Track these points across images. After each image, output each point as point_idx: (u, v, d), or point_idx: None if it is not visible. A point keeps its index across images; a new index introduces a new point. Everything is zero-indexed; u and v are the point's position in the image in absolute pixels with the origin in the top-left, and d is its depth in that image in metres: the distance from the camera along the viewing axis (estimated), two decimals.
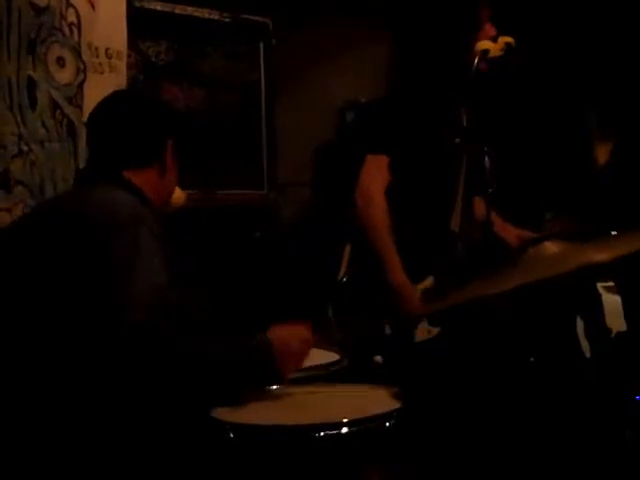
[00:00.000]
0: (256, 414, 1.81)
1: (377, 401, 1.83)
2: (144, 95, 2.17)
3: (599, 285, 3.38)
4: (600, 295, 3.38)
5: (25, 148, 3.17)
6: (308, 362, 2.13)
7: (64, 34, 3.32)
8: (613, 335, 3.28)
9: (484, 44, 2.50)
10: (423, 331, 2.55)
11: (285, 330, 1.87)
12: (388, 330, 2.57)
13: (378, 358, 2.54)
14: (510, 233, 2.81)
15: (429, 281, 2.62)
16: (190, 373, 1.66)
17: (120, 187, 1.85)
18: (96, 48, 3.42)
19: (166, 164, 1.97)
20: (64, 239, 1.70)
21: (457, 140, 2.65)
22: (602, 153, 3.69)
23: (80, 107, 3.34)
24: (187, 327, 1.67)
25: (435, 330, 2.55)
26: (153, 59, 3.90)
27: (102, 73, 3.42)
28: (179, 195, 2.29)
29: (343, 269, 2.76)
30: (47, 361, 1.64)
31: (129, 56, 3.61)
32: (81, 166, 3.25)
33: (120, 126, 1.94)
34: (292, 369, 1.87)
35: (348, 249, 2.81)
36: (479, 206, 2.68)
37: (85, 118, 3.23)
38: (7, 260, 1.78)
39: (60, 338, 1.64)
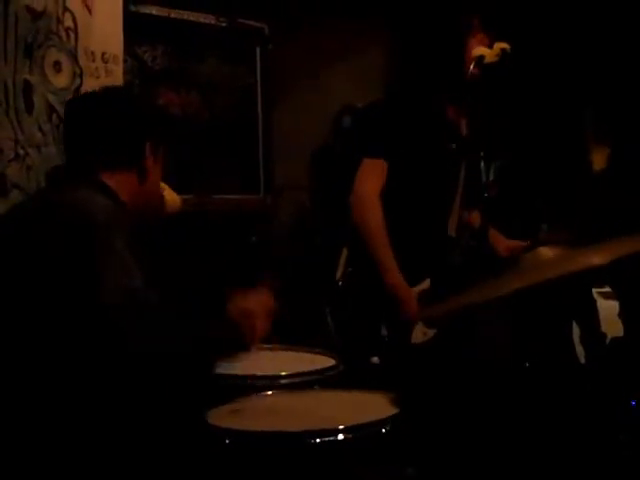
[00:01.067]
0: (252, 420, 1.81)
1: (373, 407, 1.83)
2: (125, 94, 2.11)
3: (594, 291, 3.39)
4: (595, 301, 3.39)
5: (22, 152, 3.17)
6: (304, 367, 2.14)
7: (61, 38, 3.32)
8: (608, 341, 3.28)
9: (480, 50, 2.51)
10: (419, 333, 2.56)
11: (242, 297, 1.86)
12: (385, 332, 2.57)
13: (375, 359, 2.54)
14: (500, 243, 2.82)
15: (426, 284, 2.62)
16: (161, 369, 1.67)
17: (95, 189, 1.80)
18: (92, 52, 3.42)
19: (146, 167, 1.91)
20: (36, 243, 1.68)
21: (453, 146, 2.66)
22: (598, 156, 3.70)
23: None
24: (164, 327, 1.67)
25: (431, 332, 2.56)
26: (149, 64, 3.90)
27: (98, 78, 3.42)
28: (175, 200, 2.29)
29: (340, 272, 2.77)
30: (31, 364, 1.63)
31: (125, 61, 3.61)
32: None
33: (97, 126, 1.87)
34: (255, 334, 1.85)
35: (345, 252, 2.82)
36: (475, 213, 2.69)
37: None
38: None
39: (38, 340, 1.63)
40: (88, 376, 1.62)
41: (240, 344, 1.83)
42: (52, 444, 1.62)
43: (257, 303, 1.86)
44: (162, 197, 2.16)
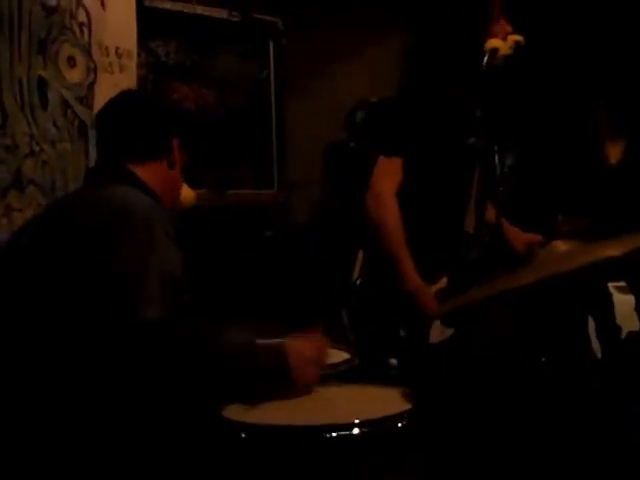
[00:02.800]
0: (267, 414, 1.81)
1: (389, 402, 1.82)
2: (150, 95, 2.17)
3: (610, 285, 3.37)
4: (611, 295, 3.37)
5: (37, 148, 3.19)
6: None
7: (74, 34, 3.33)
8: (624, 335, 3.27)
9: (493, 42, 2.49)
10: (437, 332, 2.54)
11: (300, 340, 1.86)
12: (402, 332, 2.56)
13: (393, 361, 2.53)
14: (517, 238, 2.80)
15: (443, 282, 2.61)
16: (202, 372, 1.67)
17: (133, 186, 1.85)
18: (106, 48, 3.43)
19: (173, 161, 1.98)
20: (78, 239, 1.70)
21: (471, 140, 2.64)
22: (613, 151, 3.68)
23: (91, 107, 3.35)
24: (201, 326, 1.68)
25: (449, 331, 2.54)
26: (163, 58, 3.91)
27: (112, 73, 3.43)
28: (189, 195, 2.29)
29: (357, 272, 2.75)
30: (59, 361, 1.64)
31: (139, 55, 3.62)
32: (91, 165, 3.27)
33: (127, 124, 1.95)
34: (307, 379, 1.86)
35: (361, 251, 2.80)
36: (490, 208, 2.67)
37: None
38: (20, 263, 1.78)
39: (75, 338, 1.64)
40: (113, 370, 1.63)
41: (288, 382, 1.82)
42: (68, 433, 1.63)
43: (313, 349, 1.87)
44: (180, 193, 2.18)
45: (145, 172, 1.91)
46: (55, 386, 1.64)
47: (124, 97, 2.06)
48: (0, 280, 1.78)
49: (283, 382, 1.81)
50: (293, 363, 1.79)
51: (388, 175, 2.57)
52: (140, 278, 1.61)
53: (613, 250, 1.72)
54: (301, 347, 1.84)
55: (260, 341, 1.78)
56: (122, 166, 1.90)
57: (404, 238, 2.52)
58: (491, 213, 2.64)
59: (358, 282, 2.70)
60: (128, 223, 1.69)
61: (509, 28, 2.54)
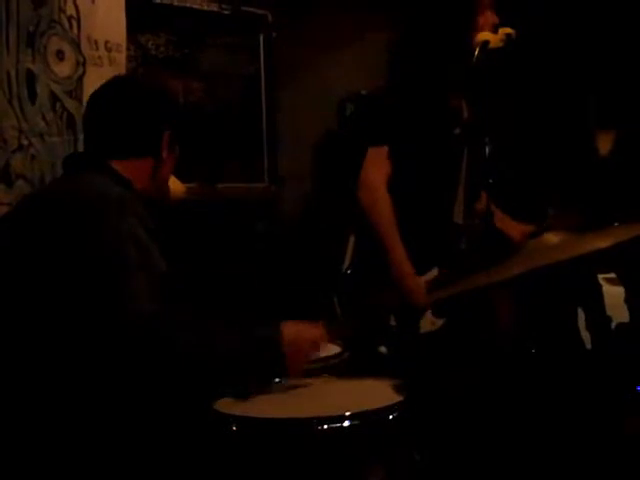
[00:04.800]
0: (259, 407, 1.81)
1: (380, 394, 1.83)
2: (144, 82, 2.10)
3: (600, 276, 3.38)
4: (601, 286, 3.38)
5: (25, 142, 3.17)
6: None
7: (63, 27, 3.31)
8: (614, 326, 3.28)
9: (484, 35, 2.50)
10: (428, 322, 2.55)
11: (296, 328, 1.85)
12: (393, 321, 2.57)
13: (382, 349, 2.54)
14: (513, 228, 2.80)
15: (434, 273, 2.62)
16: (193, 364, 1.65)
17: (107, 176, 1.80)
18: (95, 41, 3.41)
19: (162, 157, 1.91)
20: (53, 231, 1.67)
21: (457, 131, 2.65)
22: (603, 142, 3.69)
23: (80, 100, 3.34)
24: (189, 317, 1.67)
25: (440, 321, 2.55)
26: (152, 52, 3.89)
27: (101, 66, 3.42)
28: (178, 188, 2.29)
29: (347, 260, 2.76)
30: (47, 356, 1.63)
31: (128, 49, 3.60)
32: None
33: (115, 114, 1.88)
34: (298, 368, 1.86)
35: (352, 240, 2.81)
36: (480, 198, 2.68)
37: None
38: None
39: (58, 332, 1.62)
40: (102, 364, 1.62)
41: (281, 371, 1.82)
42: (62, 428, 1.62)
43: (310, 336, 1.87)
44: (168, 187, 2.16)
45: (127, 168, 1.85)
46: (44, 382, 1.63)
47: (114, 85, 1.97)
48: None
49: (274, 369, 1.80)
50: (287, 350, 1.78)
51: (378, 165, 2.58)
52: (125, 273, 1.59)
53: (603, 242, 1.72)
54: (296, 335, 1.83)
55: (256, 330, 1.78)
56: (100, 158, 1.84)
57: (396, 227, 2.53)
58: (481, 203, 2.65)
59: (349, 271, 2.71)
60: (103, 216, 1.65)
61: (495, 19, 2.54)
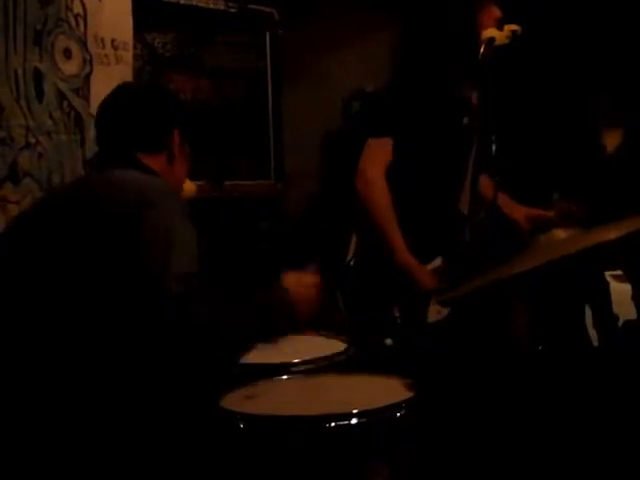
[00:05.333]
0: (266, 404, 1.81)
1: (387, 391, 1.83)
2: (151, 85, 2.17)
3: (607, 274, 3.38)
4: (608, 283, 3.37)
5: (33, 140, 3.18)
6: (315, 352, 2.14)
7: (70, 25, 3.32)
8: (621, 323, 3.28)
9: (490, 32, 2.49)
10: (433, 312, 2.56)
11: (295, 278, 1.88)
12: (397, 312, 2.57)
13: (388, 341, 2.54)
14: (518, 212, 2.82)
15: (438, 262, 2.62)
16: (220, 338, 1.66)
17: (142, 170, 1.87)
18: (102, 39, 3.42)
19: (174, 153, 1.98)
20: (94, 220, 1.69)
21: (465, 120, 2.65)
22: (610, 139, 3.68)
23: (87, 98, 3.34)
24: (215, 294, 1.69)
25: (445, 311, 2.55)
26: (159, 50, 3.90)
27: (108, 64, 3.42)
28: (190, 187, 2.30)
29: (351, 253, 2.77)
30: (80, 341, 1.63)
31: (135, 47, 3.61)
32: (88, 157, 3.26)
33: (129, 114, 1.96)
34: (307, 316, 1.87)
35: (354, 239, 2.81)
36: (487, 187, 2.67)
37: (92, 109, 3.25)
38: (32, 248, 1.76)
39: (97, 316, 1.63)
40: (133, 346, 1.62)
41: (293, 323, 1.84)
42: (69, 419, 1.63)
43: (308, 285, 1.89)
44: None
45: (150, 162, 1.92)
46: (67, 373, 1.63)
47: (124, 89, 2.07)
48: (15, 257, 1.76)
49: (287, 324, 1.82)
50: (294, 295, 1.82)
51: (376, 156, 2.59)
52: (164, 253, 1.62)
53: (610, 234, 1.72)
54: (298, 279, 1.87)
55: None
56: (128, 153, 1.91)
57: (393, 217, 2.54)
58: (488, 190, 2.65)
59: (352, 263, 2.72)
60: (148, 201, 1.70)
61: (498, 13, 2.54)
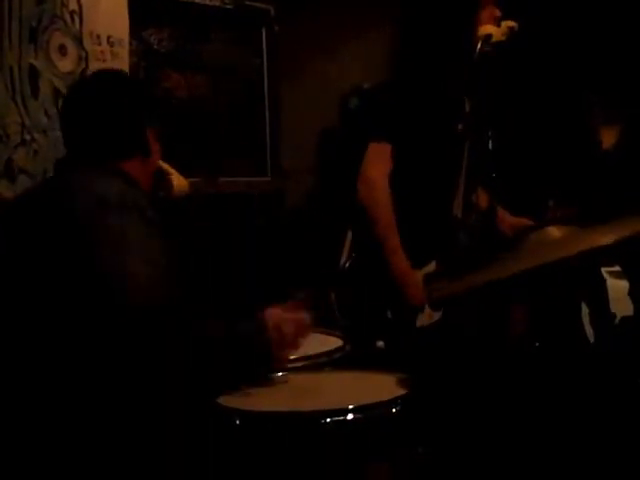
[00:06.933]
0: (262, 400, 1.81)
1: (383, 387, 1.83)
2: (122, 81, 2.05)
3: (604, 270, 3.38)
4: (605, 280, 3.38)
5: (28, 137, 3.17)
6: (311, 349, 2.14)
7: (65, 22, 3.31)
8: (617, 320, 3.28)
9: (487, 29, 2.49)
10: (425, 316, 2.56)
11: (279, 315, 1.83)
12: (390, 315, 2.57)
13: (380, 343, 2.54)
14: (504, 221, 2.81)
15: (432, 267, 2.62)
16: (188, 358, 1.65)
17: (106, 173, 1.80)
18: (98, 36, 3.41)
19: (149, 150, 1.91)
20: (51, 229, 1.67)
21: (460, 126, 2.65)
22: (607, 137, 3.68)
23: None
24: (188, 312, 1.66)
25: (437, 315, 2.56)
26: (155, 46, 3.89)
27: (104, 61, 3.42)
28: (182, 183, 2.28)
29: (345, 255, 2.77)
30: (46, 356, 1.62)
31: (131, 44, 3.60)
32: None
33: (98, 116, 1.86)
34: (288, 354, 1.86)
35: (350, 235, 2.81)
36: (482, 193, 2.67)
37: None
38: None
39: (57, 330, 1.61)
40: (100, 360, 1.61)
41: (273, 361, 1.82)
42: (63, 425, 1.62)
43: (291, 322, 1.84)
44: (169, 180, 2.17)
45: (122, 166, 1.85)
46: (39, 383, 1.62)
47: (91, 85, 1.95)
48: None
49: (266, 361, 1.79)
50: (274, 340, 1.78)
51: (379, 161, 2.58)
52: (122, 266, 1.59)
53: (606, 237, 1.72)
54: (280, 322, 1.81)
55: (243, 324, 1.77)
56: (95, 157, 1.84)
57: (395, 224, 2.54)
58: (483, 198, 2.65)
59: (346, 265, 2.72)
60: (103, 211, 1.65)
61: (498, 13, 2.54)
